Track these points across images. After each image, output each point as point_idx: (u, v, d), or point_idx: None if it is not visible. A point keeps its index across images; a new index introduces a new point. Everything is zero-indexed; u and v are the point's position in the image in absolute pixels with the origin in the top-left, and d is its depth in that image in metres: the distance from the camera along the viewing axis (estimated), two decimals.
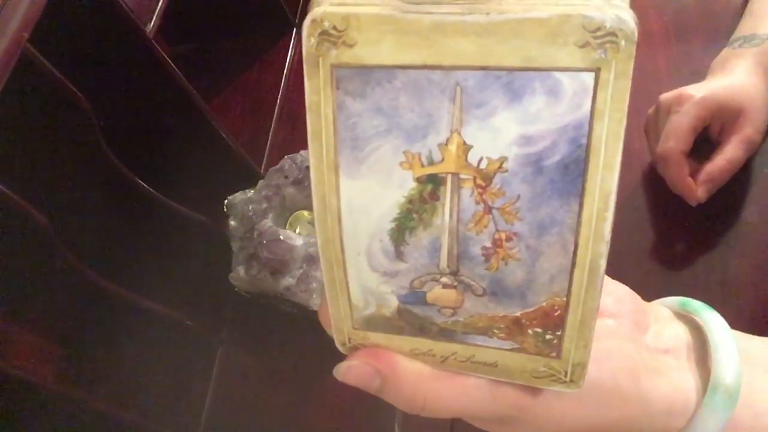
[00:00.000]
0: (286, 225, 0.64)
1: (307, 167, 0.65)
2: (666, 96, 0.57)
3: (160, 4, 0.64)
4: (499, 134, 0.18)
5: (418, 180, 0.20)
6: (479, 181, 0.19)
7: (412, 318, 0.23)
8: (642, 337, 0.26)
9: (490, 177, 0.19)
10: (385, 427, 0.55)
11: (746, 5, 0.64)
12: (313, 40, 0.18)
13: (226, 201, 0.65)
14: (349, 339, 0.24)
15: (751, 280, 0.54)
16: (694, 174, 0.55)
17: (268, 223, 0.61)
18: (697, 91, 0.56)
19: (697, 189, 0.55)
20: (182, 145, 0.64)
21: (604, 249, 0.19)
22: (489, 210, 0.20)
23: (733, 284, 0.54)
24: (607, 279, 0.22)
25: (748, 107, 0.54)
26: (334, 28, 0.18)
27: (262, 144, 0.79)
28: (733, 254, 0.55)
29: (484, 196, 0.19)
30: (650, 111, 0.59)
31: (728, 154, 0.54)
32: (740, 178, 0.56)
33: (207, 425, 0.61)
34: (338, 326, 0.24)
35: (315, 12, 0.18)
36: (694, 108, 0.55)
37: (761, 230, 0.56)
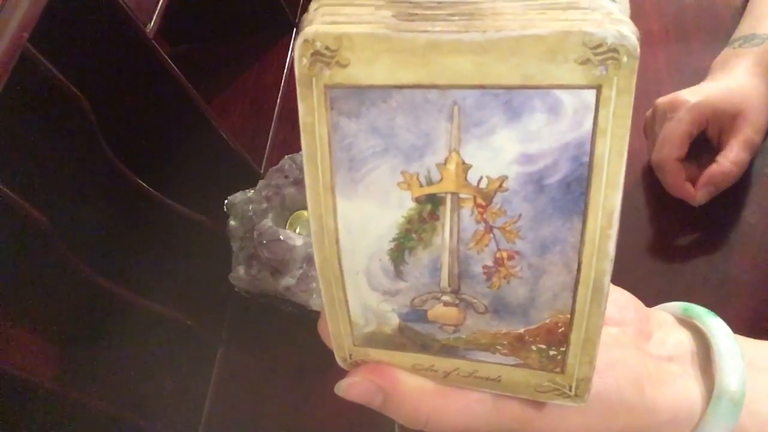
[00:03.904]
0: (286, 225, 0.64)
1: None
2: (661, 101, 0.57)
3: (160, 4, 0.64)
4: (499, 153, 0.18)
5: (417, 200, 0.19)
6: (479, 201, 0.19)
7: (413, 335, 0.23)
8: (646, 345, 0.25)
9: (490, 196, 0.19)
10: (385, 428, 0.55)
11: (746, 5, 0.64)
12: (305, 60, 0.18)
13: (226, 201, 0.65)
14: (350, 355, 0.24)
15: (751, 280, 0.54)
16: (694, 178, 0.55)
17: (268, 223, 0.61)
18: (692, 95, 0.55)
19: (697, 192, 0.55)
20: (182, 145, 0.64)
21: (608, 267, 0.19)
22: (490, 229, 0.19)
23: (733, 284, 0.54)
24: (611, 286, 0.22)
25: (746, 108, 0.54)
26: (327, 48, 0.17)
27: (262, 144, 0.79)
28: (733, 254, 0.55)
29: (484, 216, 0.19)
30: (647, 114, 0.59)
31: (731, 157, 0.54)
32: (741, 178, 0.56)
33: (207, 425, 0.61)
34: (338, 343, 0.24)
35: (306, 32, 0.18)
36: (687, 114, 0.55)
37: (761, 230, 0.56)
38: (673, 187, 0.56)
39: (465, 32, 0.17)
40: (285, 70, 0.86)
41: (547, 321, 0.21)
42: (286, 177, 0.64)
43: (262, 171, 0.74)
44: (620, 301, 0.27)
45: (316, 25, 0.18)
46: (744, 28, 0.61)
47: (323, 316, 0.23)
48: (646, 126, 0.59)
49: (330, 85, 0.18)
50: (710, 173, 0.54)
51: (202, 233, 0.65)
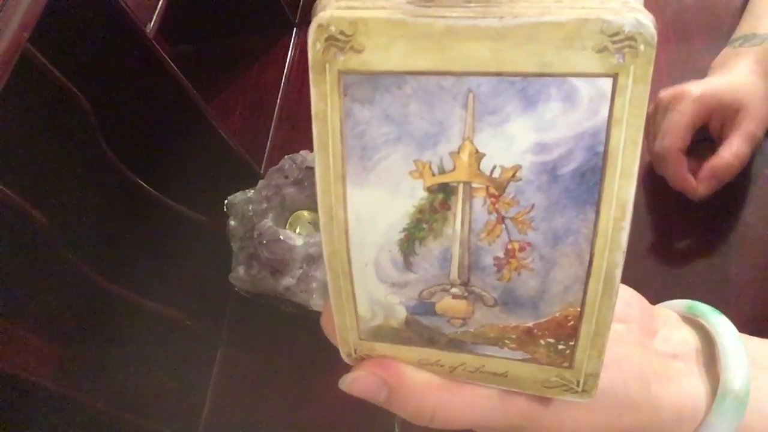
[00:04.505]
0: (286, 225, 0.64)
1: (308, 167, 0.65)
2: (664, 93, 0.57)
3: (160, 4, 0.64)
4: (513, 142, 0.18)
5: (429, 189, 0.19)
6: (492, 190, 0.19)
7: (420, 329, 0.22)
8: (650, 343, 0.25)
9: (503, 186, 0.19)
10: (385, 427, 0.55)
11: (746, 5, 0.64)
12: (319, 45, 0.18)
13: (226, 201, 0.65)
14: (355, 350, 0.24)
15: (751, 280, 0.54)
16: (694, 171, 0.55)
17: (268, 223, 0.61)
18: (695, 88, 0.55)
19: (699, 185, 0.54)
20: (182, 145, 0.64)
21: (621, 258, 0.19)
22: (502, 220, 0.19)
23: (733, 284, 0.54)
24: None
25: (748, 103, 0.54)
26: (342, 33, 0.17)
27: (262, 144, 0.79)
28: (733, 254, 0.55)
29: (496, 206, 0.19)
30: (649, 108, 0.58)
31: (733, 150, 0.54)
32: (740, 178, 0.56)
33: (207, 425, 0.61)
34: (344, 337, 0.23)
35: (321, 16, 0.17)
36: (691, 105, 0.54)
37: (761, 230, 0.56)
38: (674, 178, 0.56)
39: (482, 18, 0.17)
40: (285, 70, 0.86)
41: (557, 314, 0.21)
42: (286, 177, 0.64)
43: (262, 171, 0.74)
44: (625, 298, 0.26)
45: (330, 10, 0.17)
46: (744, 27, 0.61)
47: (327, 311, 0.23)
48: (647, 120, 0.59)
49: (344, 71, 0.18)
50: (712, 166, 0.54)
51: (202, 233, 0.65)
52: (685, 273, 0.56)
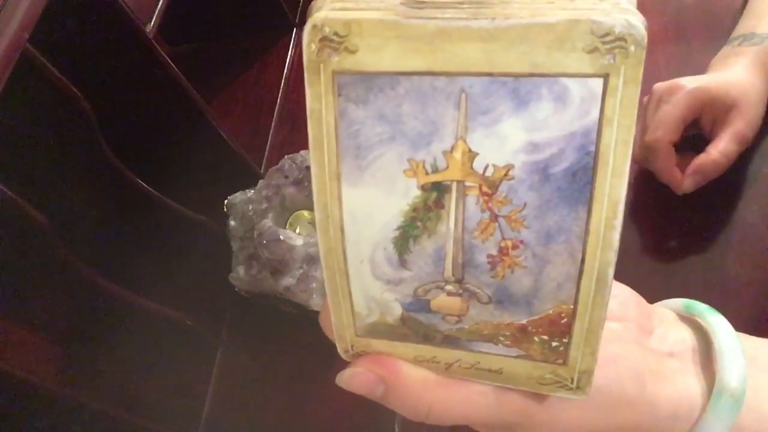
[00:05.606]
0: (286, 225, 0.64)
1: (307, 167, 0.65)
2: (659, 86, 0.57)
3: (160, 4, 0.64)
4: (506, 141, 0.18)
5: (423, 188, 0.19)
6: (485, 189, 0.19)
7: (416, 325, 0.23)
8: (647, 341, 0.25)
9: (496, 185, 0.19)
10: (385, 427, 0.55)
11: (746, 5, 0.64)
12: (314, 46, 0.18)
13: (226, 201, 0.65)
14: (352, 346, 0.24)
15: (751, 280, 0.54)
16: (682, 166, 0.56)
17: (268, 223, 0.61)
18: (690, 82, 0.56)
19: (685, 180, 0.55)
20: (182, 145, 0.64)
21: (613, 257, 0.19)
22: (495, 218, 0.19)
23: (732, 284, 0.54)
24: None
25: (741, 102, 0.54)
26: (336, 34, 0.18)
27: (262, 144, 0.79)
28: (733, 254, 0.55)
29: (489, 204, 0.19)
30: (644, 100, 0.59)
31: (720, 147, 0.54)
32: (740, 178, 0.56)
33: (207, 425, 0.61)
34: (340, 334, 0.24)
35: (315, 17, 0.18)
36: (684, 98, 0.55)
37: (761, 230, 0.56)
38: (662, 170, 0.56)
39: (474, 20, 0.17)
40: (285, 70, 0.86)
41: (551, 312, 0.21)
42: (286, 177, 0.64)
43: (262, 171, 0.74)
44: (622, 296, 0.27)
45: (325, 11, 0.18)
46: (743, 26, 0.61)
47: (325, 308, 0.23)
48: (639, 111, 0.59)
49: (338, 71, 0.18)
50: (699, 162, 0.54)
51: (202, 233, 0.65)
52: (684, 273, 0.56)
